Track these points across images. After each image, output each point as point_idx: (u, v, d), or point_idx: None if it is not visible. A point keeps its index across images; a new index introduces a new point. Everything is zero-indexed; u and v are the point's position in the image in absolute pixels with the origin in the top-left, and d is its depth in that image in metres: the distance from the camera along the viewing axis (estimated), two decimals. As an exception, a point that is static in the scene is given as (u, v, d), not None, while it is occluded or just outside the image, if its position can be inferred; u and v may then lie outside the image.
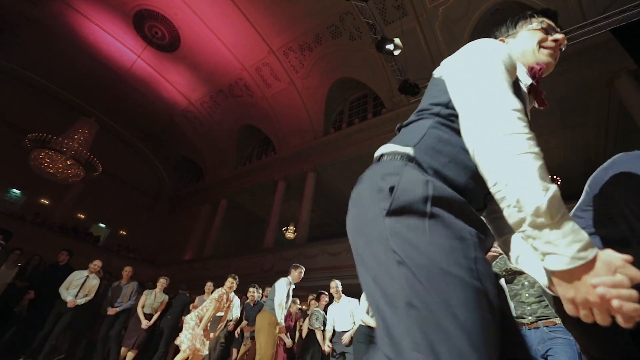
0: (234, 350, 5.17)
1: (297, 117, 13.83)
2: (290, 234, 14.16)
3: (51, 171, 9.35)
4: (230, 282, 4.33)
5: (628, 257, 0.48)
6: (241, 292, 5.71)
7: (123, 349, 4.94)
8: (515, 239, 0.79)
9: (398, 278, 0.54)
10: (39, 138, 8.96)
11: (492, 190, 0.56)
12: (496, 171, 0.54)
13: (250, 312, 5.06)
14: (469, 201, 0.64)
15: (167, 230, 17.99)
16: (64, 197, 15.33)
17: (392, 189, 0.59)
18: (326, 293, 4.87)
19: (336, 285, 4.33)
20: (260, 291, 5.53)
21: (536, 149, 0.54)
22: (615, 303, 0.46)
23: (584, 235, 0.49)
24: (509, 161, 0.53)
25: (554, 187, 0.51)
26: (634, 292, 0.46)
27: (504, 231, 0.82)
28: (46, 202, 15.45)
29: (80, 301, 4.95)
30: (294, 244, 11.78)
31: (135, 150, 18.50)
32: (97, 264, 5.25)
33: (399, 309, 0.52)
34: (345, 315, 4.13)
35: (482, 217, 0.71)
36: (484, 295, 0.52)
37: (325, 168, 12.78)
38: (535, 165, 0.52)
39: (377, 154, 0.75)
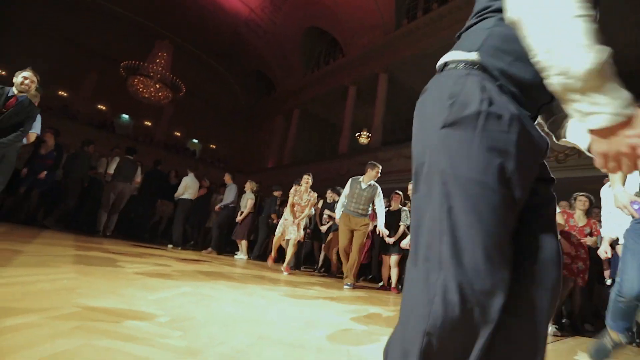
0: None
1: (364, 11, 12.39)
2: (363, 139, 14.19)
3: (146, 95, 10.52)
4: (306, 180, 4.86)
5: None
6: (322, 195, 6.27)
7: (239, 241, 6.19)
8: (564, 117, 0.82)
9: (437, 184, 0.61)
10: (131, 66, 9.91)
11: (537, 60, 0.53)
12: (540, 39, 0.52)
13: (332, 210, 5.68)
14: (537, 96, 0.67)
15: (249, 141, 19.58)
16: (161, 118, 17.44)
17: (452, 102, 0.62)
18: (400, 193, 5.00)
19: None
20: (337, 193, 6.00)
21: (584, 12, 0.50)
22: None
23: (626, 93, 0.50)
24: (555, 26, 0.50)
25: (601, 50, 0.49)
26: None
27: (554, 112, 0.83)
28: (149, 123, 17.80)
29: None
30: (368, 148, 11.87)
31: (209, 68, 19.26)
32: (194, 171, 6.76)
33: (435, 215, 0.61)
34: None
35: (536, 125, 0.70)
36: (512, 205, 0.60)
37: (399, 67, 11.75)
38: (583, 29, 0.49)
39: (440, 62, 0.73)
